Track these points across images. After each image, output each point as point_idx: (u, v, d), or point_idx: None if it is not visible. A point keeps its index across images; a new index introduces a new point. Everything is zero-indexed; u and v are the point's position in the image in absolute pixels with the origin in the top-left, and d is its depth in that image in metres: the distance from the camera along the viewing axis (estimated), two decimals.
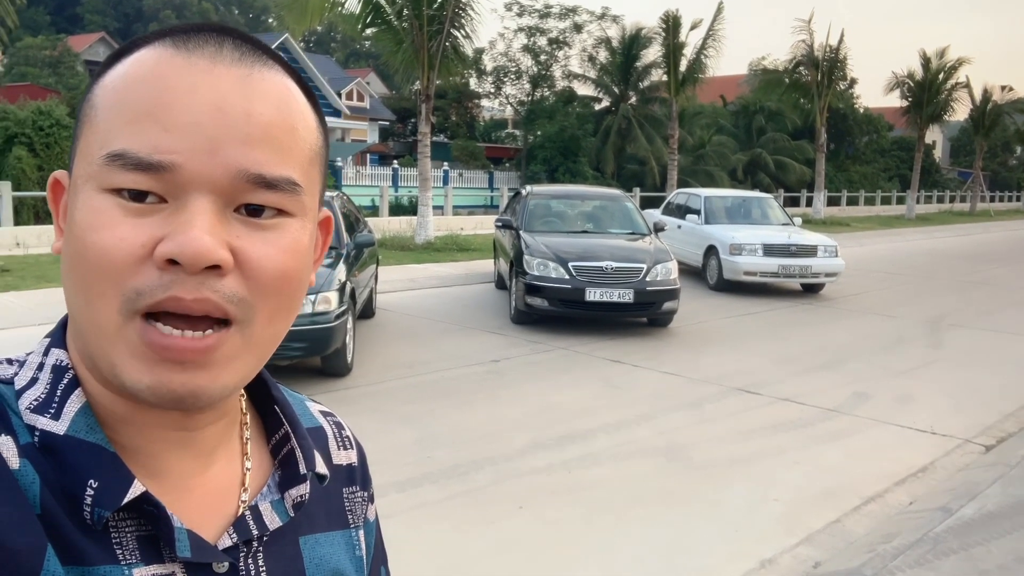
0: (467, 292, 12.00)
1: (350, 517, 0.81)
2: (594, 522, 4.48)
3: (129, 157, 0.57)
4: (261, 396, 0.77)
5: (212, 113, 0.59)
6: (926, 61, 35.85)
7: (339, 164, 29.21)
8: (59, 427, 0.61)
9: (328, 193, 9.09)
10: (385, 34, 16.85)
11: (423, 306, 10.61)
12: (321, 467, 0.74)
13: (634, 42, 35.48)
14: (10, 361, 0.67)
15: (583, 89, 39.33)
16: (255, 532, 0.68)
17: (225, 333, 0.60)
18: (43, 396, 0.63)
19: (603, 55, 37.79)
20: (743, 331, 10.13)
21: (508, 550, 4.15)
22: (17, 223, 15.11)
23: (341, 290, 6.89)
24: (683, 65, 25.48)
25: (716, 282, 13.25)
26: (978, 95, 41.98)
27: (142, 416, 0.64)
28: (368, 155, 37.18)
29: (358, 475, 0.85)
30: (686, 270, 12.87)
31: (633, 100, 36.98)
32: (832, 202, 37.31)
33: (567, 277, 9.22)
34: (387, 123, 42.91)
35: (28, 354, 0.68)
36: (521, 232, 10.32)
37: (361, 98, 40.68)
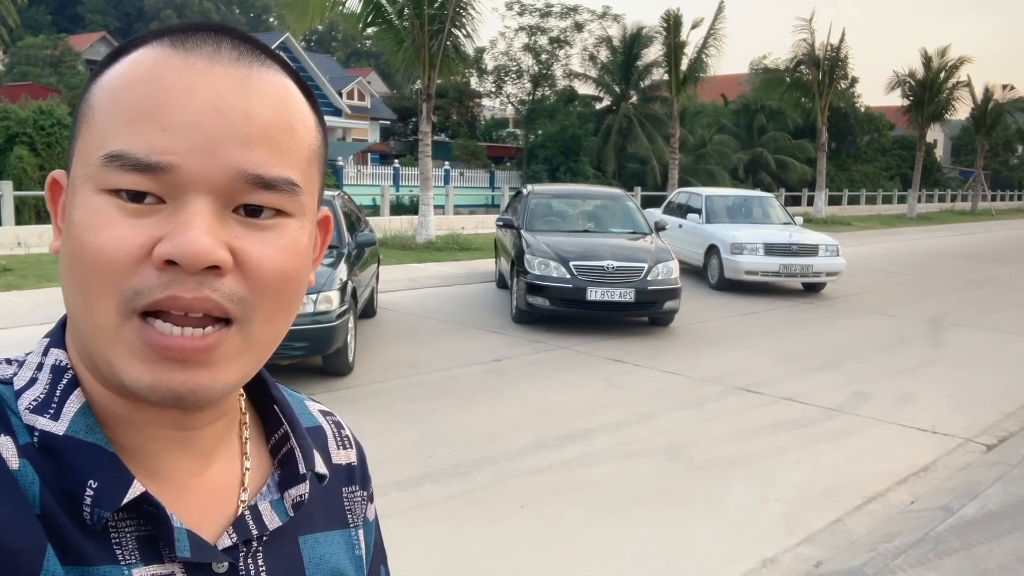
0: (468, 291, 12.00)
1: (349, 516, 0.81)
2: (595, 521, 4.48)
3: (127, 158, 0.57)
4: (260, 396, 0.77)
5: (210, 113, 0.58)
6: (927, 60, 35.82)
7: (340, 163, 29.20)
8: (58, 427, 0.61)
9: (329, 192, 9.13)
10: (386, 33, 16.84)
11: (424, 305, 10.61)
12: (320, 467, 0.74)
13: (635, 41, 35.48)
14: (9, 361, 0.67)
15: (584, 88, 39.35)
16: (255, 532, 0.68)
17: (225, 332, 0.60)
18: (42, 396, 0.63)
19: (604, 54, 37.79)
20: (744, 330, 10.13)
21: (509, 549, 4.15)
22: (18, 222, 15.12)
23: (342, 289, 6.89)
24: (684, 64, 25.46)
25: (717, 281, 13.24)
26: (979, 94, 41.98)
27: (141, 416, 0.64)
28: (369, 154, 37.18)
29: (357, 474, 0.84)
30: (687, 269, 12.87)
31: (634, 99, 36.96)
32: (833, 201, 37.29)
33: (568, 276, 9.22)
34: (388, 122, 42.91)
35: (27, 354, 0.68)
36: (522, 231, 10.32)
37: (362, 97, 40.69)
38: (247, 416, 0.75)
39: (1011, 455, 5.60)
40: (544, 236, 10.11)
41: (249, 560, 0.67)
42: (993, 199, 54.63)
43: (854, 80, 41.60)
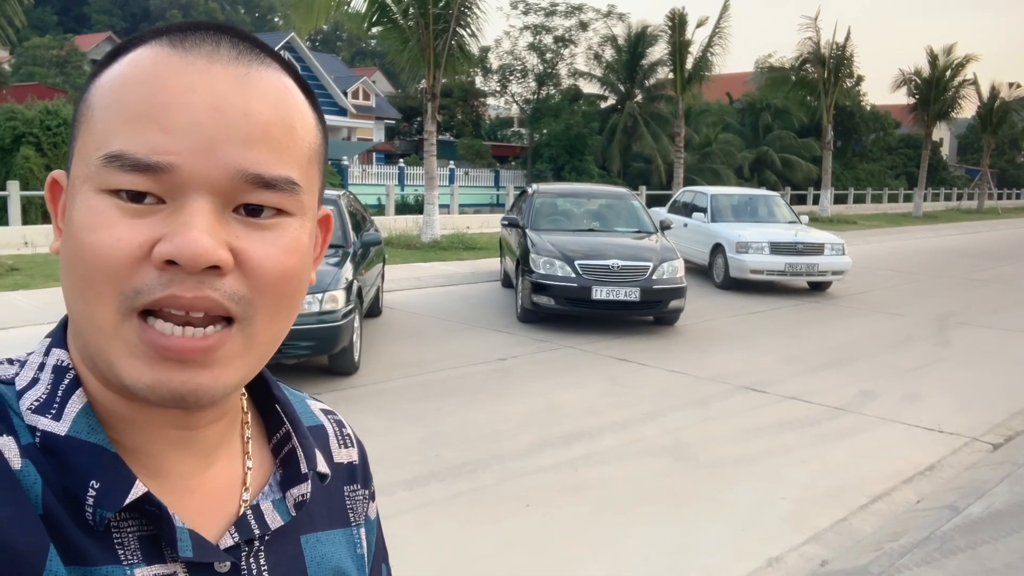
0: (473, 291, 12.01)
1: (351, 515, 0.81)
2: (600, 520, 4.48)
3: (127, 158, 0.57)
4: (262, 395, 0.77)
5: (210, 113, 0.58)
6: (933, 58, 35.72)
7: (345, 163, 29.23)
8: (60, 428, 0.61)
9: (334, 192, 9.14)
10: (391, 33, 16.85)
11: (429, 305, 10.62)
12: (322, 466, 0.74)
13: (640, 40, 35.45)
14: (11, 361, 0.67)
15: (589, 87, 39.36)
16: (257, 531, 0.68)
17: (227, 332, 0.60)
18: (44, 396, 0.63)
19: (609, 53, 37.78)
20: (749, 329, 10.12)
21: (514, 548, 4.16)
22: (25, 222, 15.17)
23: (348, 289, 6.90)
24: (689, 63, 25.41)
25: (722, 280, 13.23)
26: (985, 92, 41.83)
27: (143, 416, 0.64)
28: (374, 154, 37.19)
29: (359, 473, 0.84)
30: (692, 268, 12.85)
31: (639, 98, 36.93)
32: (839, 200, 37.24)
33: (573, 275, 9.22)
34: (393, 122, 42.94)
35: (29, 354, 0.68)
36: (527, 231, 10.32)
37: (367, 97, 40.72)
38: (249, 415, 0.75)
39: (1017, 454, 5.59)
40: (549, 235, 10.11)
41: (251, 559, 0.67)
42: (999, 197, 54.51)
43: (860, 78, 41.47)
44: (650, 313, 9.64)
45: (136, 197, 0.58)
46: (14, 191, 14.82)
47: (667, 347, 8.83)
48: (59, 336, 0.67)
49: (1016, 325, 10.76)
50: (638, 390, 7.10)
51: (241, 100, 0.59)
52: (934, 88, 35.31)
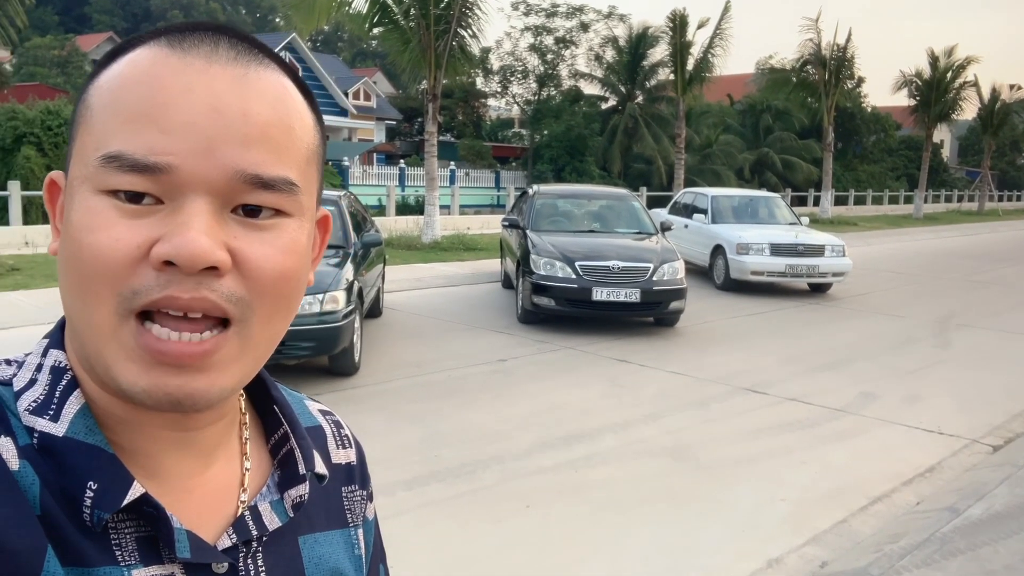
0: (474, 291, 12.01)
1: (349, 516, 0.81)
2: (600, 521, 4.48)
3: (125, 159, 0.57)
4: (260, 396, 0.77)
5: (208, 114, 0.58)
6: (934, 60, 35.74)
7: (346, 163, 29.23)
8: (58, 429, 0.61)
9: (335, 192, 9.14)
10: (392, 33, 16.86)
11: (430, 305, 10.62)
12: (320, 467, 0.74)
13: (641, 41, 35.44)
14: (8, 362, 0.67)
15: (590, 88, 39.35)
16: (254, 532, 0.68)
17: (223, 336, 0.60)
18: (42, 397, 0.63)
19: (610, 54, 37.78)
20: (750, 331, 10.12)
21: (515, 548, 4.16)
22: (26, 222, 15.17)
23: (349, 289, 6.91)
24: (690, 64, 25.43)
25: (723, 282, 13.23)
26: (986, 94, 41.86)
27: (140, 417, 0.64)
28: (375, 154, 37.19)
29: (357, 474, 0.84)
30: (693, 270, 12.85)
31: (640, 99, 36.92)
32: (839, 201, 37.24)
33: (574, 276, 9.22)
34: (394, 122, 42.95)
35: (27, 355, 0.68)
36: (528, 231, 10.32)
37: (368, 97, 40.73)
38: (247, 416, 0.75)
39: (1017, 456, 5.59)
40: (550, 236, 10.12)
41: (249, 560, 0.67)
42: (1000, 199, 54.50)
43: (860, 80, 41.52)
44: (650, 314, 9.64)
45: (134, 198, 0.58)
46: (15, 191, 14.83)
47: (667, 348, 8.83)
48: (57, 337, 0.67)
49: (1016, 327, 10.76)
50: (638, 391, 7.10)
51: (239, 101, 0.59)
52: (935, 90, 35.33)
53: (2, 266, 11.29)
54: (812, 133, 38.96)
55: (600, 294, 9.11)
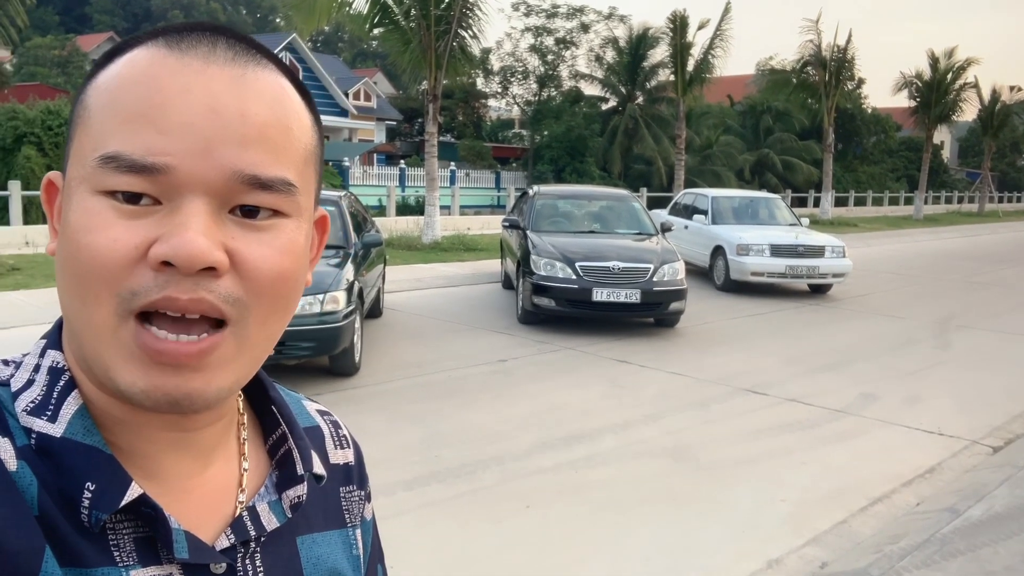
0: (474, 292, 12.02)
1: (347, 516, 0.81)
2: (600, 521, 4.48)
3: (123, 159, 0.57)
4: (258, 396, 0.77)
5: (206, 114, 0.58)
6: (934, 61, 35.76)
7: (346, 164, 29.24)
8: (56, 429, 0.61)
9: (336, 193, 9.14)
10: (392, 34, 16.87)
11: (430, 306, 10.63)
12: (318, 468, 0.74)
13: (641, 42, 35.45)
14: (6, 362, 0.67)
15: (590, 89, 39.36)
16: (252, 533, 0.68)
17: (220, 336, 0.59)
18: (40, 398, 0.63)
19: (610, 55, 37.79)
20: (750, 331, 10.12)
21: (515, 548, 4.16)
22: (26, 222, 15.17)
23: (349, 290, 6.91)
24: (690, 65, 25.44)
25: (723, 282, 13.23)
26: (987, 95, 41.88)
27: (139, 418, 0.64)
28: (375, 155, 37.21)
29: (355, 474, 0.84)
30: (693, 270, 12.85)
31: (640, 100, 36.94)
32: (840, 202, 37.24)
33: (574, 277, 9.23)
34: (394, 123, 42.96)
35: (24, 355, 0.67)
36: (528, 232, 10.32)
37: (368, 98, 40.73)
38: (245, 417, 0.75)
39: (1017, 457, 5.59)
40: (550, 237, 10.12)
41: (247, 561, 0.67)
42: (1000, 200, 54.51)
43: (861, 81, 41.55)
44: (651, 315, 9.64)
45: (132, 198, 0.58)
46: (15, 191, 14.84)
47: (667, 349, 8.83)
48: (54, 337, 0.67)
49: (1017, 328, 10.76)
50: (638, 392, 7.10)
51: (237, 101, 0.59)
52: (935, 91, 35.34)
53: (2, 266, 11.29)
54: (812, 134, 38.97)
55: (600, 295, 9.11)
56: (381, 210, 22.78)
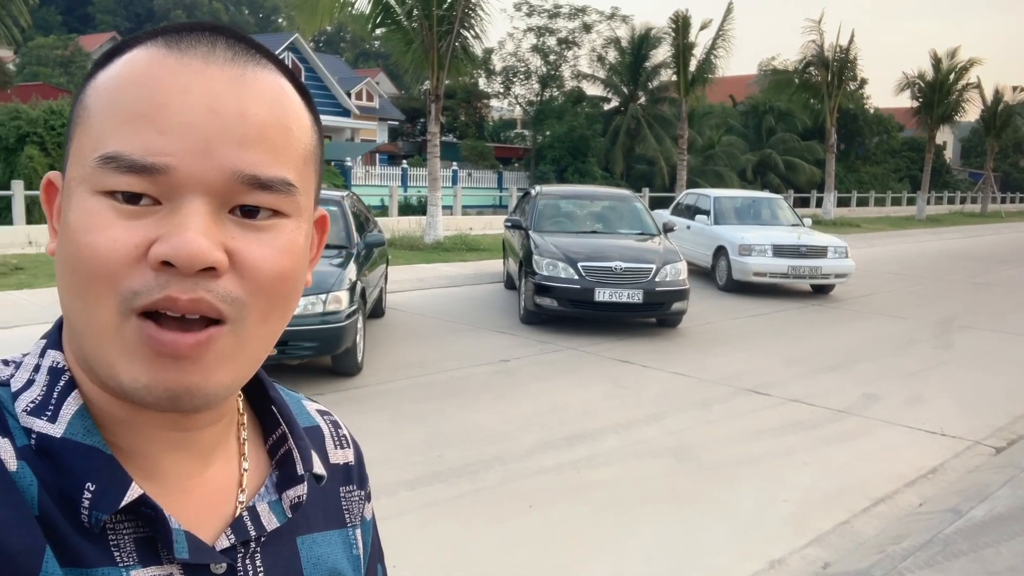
0: (476, 292, 12.02)
1: (347, 516, 0.81)
2: (603, 521, 4.48)
3: (122, 159, 0.57)
4: (258, 396, 0.77)
5: (205, 114, 0.58)
6: (937, 62, 35.74)
7: (348, 164, 29.27)
8: (56, 430, 0.61)
9: (338, 193, 9.15)
10: (395, 34, 16.89)
11: (432, 306, 10.63)
12: (318, 468, 0.74)
13: (643, 42, 35.47)
14: (6, 362, 0.66)
15: (592, 89, 39.41)
16: (253, 533, 0.68)
17: (217, 330, 0.59)
18: (40, 398, 0.63)
19: (612, 55, 37.83)
20: (752, 332, 10.12)
21: (517, 548, 4.16)
22: (29, 222, 15.19)
23: (352, 290, 6.91)
24: (693, 65, 25.44)
25: (725, 283, 13.23)
26: (989, 96, 41.87)
27: (139, 418, 0.63)
28: (377, 155, 37.26)
29: (355, 474, 0.84)
30: (695, 271, 12.85)
31: (642, 100, 36.97)
32: (842, 203, 37.22)
33: (576, 277, 9.23)
34: (396, 123, 43.00)
35: (24, 355, 0.67)
36: (530, 232, 10.33)
37: (370, 98, 40.76)
38: (245, 417, 0.75)
39: (1020, 458, 5.58)
40: (552, 237, 10.12)
41: (247, 561, 0.67)
42: (1003, 201, 54.47)
43: (863, 81, 41.49)
44: (653, 315, 9.64)
45: (132, 198, 0.58)
46: (18, 191, 14.86)
47: (670, 349, 8.83)
48: (54, 337, 0.67)
49: (1019, 329, 10.75)
50: (641, 392, 7.10)
51: (237, 101, 0.59)
52: (938, 91, 35.32)
53: (6, 265, 11.31)
54: (815, 134, 38.95)
55: (602, 295, 9.11)
56: (383, 210, 22.80)
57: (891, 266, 17.58)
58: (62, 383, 0.64)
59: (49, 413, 0.62)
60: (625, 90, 37.31)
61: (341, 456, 0.83)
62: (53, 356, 0.65)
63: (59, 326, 0.67)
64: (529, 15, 38.15)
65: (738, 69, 33.33)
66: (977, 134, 53.43)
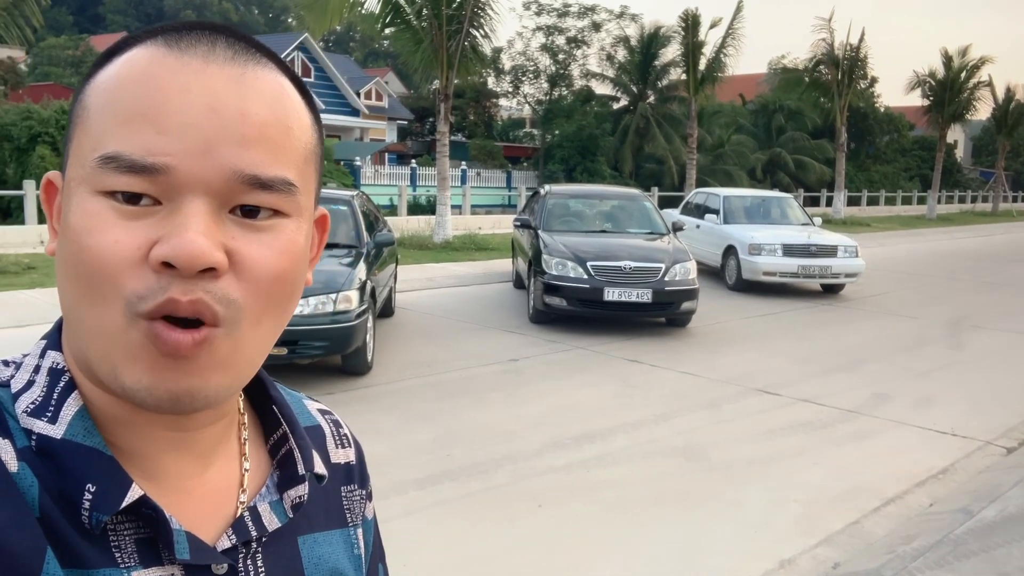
0: (485, 291, 12.03)
1: (348, 516, 0.81)
2: (612, 521, 4.48)
3: (122, 159, 0.57)
4: (259, 396, 0.76)
5: (206, 114, 0.58)
6: (948, 60, 35.58)
7: (358, 163, 29.30)
8: (56, 431, 0.61)
9: (348, 192, 9.17)
10: (404, 34, 16.90)
11: (442, 305, 10.64)
12: (319, 467, 0.74)
13: (653, 41, 35.40)
14: (6, 363, 0.66)
15: (601, 88, 39.33)
16: (254, 533, 0.68)
17: (213, 332, 0.59)
18: (40, 399, 0.62)
19: (621, 54, 37.76)
20: (762, 331, 10.10)
21: (526, 548, 4.16)
22: (41, 221, 15.25)
23: (361, 289, 6.93)
24: (702, 64, 25.38)
25: (735, 282, 13.20)
26: (1001, 94, 41.62)
27: (139, 418, 0.63)
28: (386, 154, 37.25)
29: (356, 473, 0.84)
30: (705, 270, 12.84)
31: (651, 99, 36.88)
32: (852, 202, 37.10)
33: (585, 277, 9.22)
34: (405, 122, 43.01)
35: (24, 356, 0.67)
36: (539, 231, 10.33)
37: (380, 97, 40.79)
38: (245, 417, 0.75)
39: None
40: (561, 236, 10.12)
41: (248, 561, 0.67)
42: (1014, 200, 54.21)
43: (874, 80, 41.37)
44: (662, 315, 9.63)
45: (132, 199, 0.57)
46: (30, 191, 14.95)
47: (679, 349, 8.82)
48: (55, 338, 0.67)
49: None
50: (650, 391, 7.10)
51: (237, 100, 0.59)
52: (949, 90, 35.16)
53: (18, 264, 11.38)
54: (825, 133, 38.82)
55: (612, 294, 9.11)
56: (392, 209, 22.82)
57: (901, 266, 17.51)
58: (62, 384, 0.63)
59: (49, 414, 0.62)
60: (634, 89, 37.24)
61: (342, 455, 0.83)
62: (53, 357, 0.65)
63: (59, 327, 0.67)
64: (538, 14, 38.15)
65: (748, 68, 33.39)
66: (988, 133, 53.14)
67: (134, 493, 0.60)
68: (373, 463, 0.94)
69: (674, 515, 4.61)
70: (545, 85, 39.34)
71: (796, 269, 12.66)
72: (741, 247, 13.05)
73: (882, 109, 46.05)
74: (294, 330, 6.23)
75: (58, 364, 0.65)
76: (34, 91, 27.02)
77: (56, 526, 0.58)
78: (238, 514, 0.69)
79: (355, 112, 36.90)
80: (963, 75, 35.52)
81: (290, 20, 70.01)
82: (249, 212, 0.60)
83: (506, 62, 39.54)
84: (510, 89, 41.04)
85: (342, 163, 27.88)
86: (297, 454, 0.73)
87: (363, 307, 6.83)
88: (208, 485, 0.68)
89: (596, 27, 38.20)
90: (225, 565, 0.65)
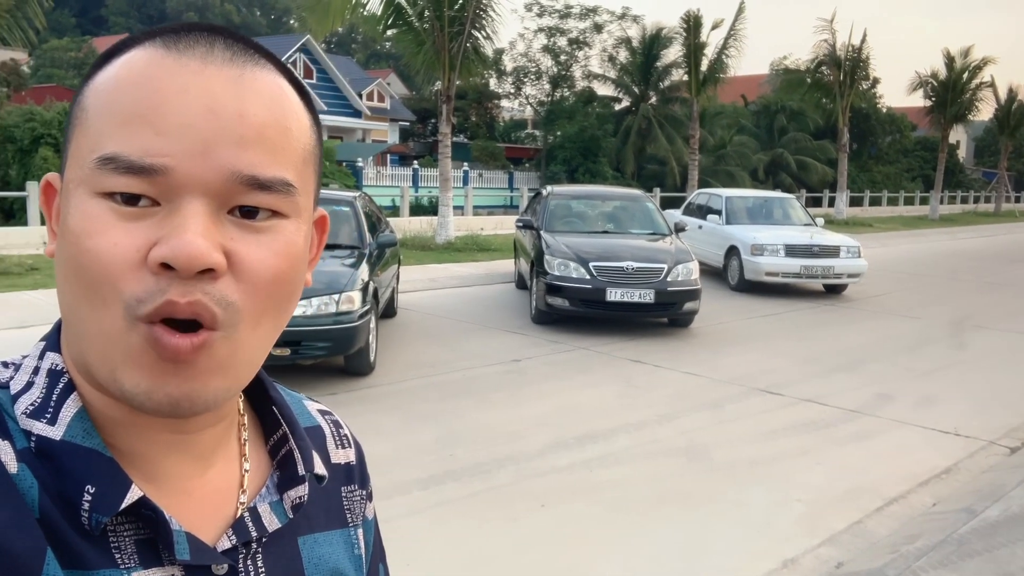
0: (487, 292, 12.03)
1: (349, 516, 0.81)
2: (615, 521, 4.48)
3: (120, 160, 0.57)
4: (259, 397, 0.76)
5: (204, 115, 0.58)
6: (950, 60, 35.55)
7: (360, 164, 29.33)
8: (55, 432, 0.61)
9: (350, 193, 9.17)
10: (406, 35, 16.91)
11: (444, 306, 10.65)
12: (319, 468, 0.74)
13: (654, 42, 35.41)
14: (5, 364, 0.66)
15: (603, 89, 39.36)
16: (254, 534, 0.68)
17: (211, 335, 0.59)
18: (39, 401, 0.62)
19: (623, 55, 37.79)
20: (764, 332, 10.10)
21: (529, 547, 4.16)
22: (43, 223, 15.30)
23: (364, 290, 6.93)
24: (704, 65, 25.37)
25: (737, 283, 13.20)
26: (1003, 94, 41.58)
27: (138, 420, 0.63)
28: (388, 155, 37.29)
29: (356, 474, 0.84)
30: (707, 271, 12.82)
31: (653, 100, 36.90)
32: (855, 202, 37.06)
33: (588, 277, 9.23)
34: (407, 124, 43.05)
35: (24, 357, 0.67)
36: (542, 232, 10.33)
37: (382, 99, 40.83)
38: (245, 417, 0.75)
39: None
40: (564, 237, 10.12)
41: (248, 562, 0.67)
42: (1017, 200, 54.14)
43: (876, 80, 41.34)
44: (665, 315, 9.63)
45: (131, 200, 0.57)
46: (33, 192, 14.97)
47: (682, 349, 8.82)
48: (54, 340, 0.67)
49: None
50: (652, 392, 7.10)
51: (235, 101, 0.59)
52: (951, 90, 35.13)
53: (21, 266, 11.40)
54: (827, 134, 38.82)
55: (614, 295, 9.11)
56: (395, 210, 22.83)
57: (904, 266, 17.50)
58: (61, 385, 0.63)
59: (49, 415, 0.62)
60: (636, 90, 37.25)
61: (342, 456, 0.83)
62: (52, 358, 0.65)
63: (58, 328, 0.67)
64: (540, 15, 38.22)
65: (750, 69, 33.30)
66: (991, 133, 53.10)
67: (134, 494, 0.60)
68: (376, 463, 0.94)
69: (677, 515, 4.61)
70: (547, 86, 39.41)
71: (798, 269, 12.65)
72: (743, 247, 13.05)
73: (884, 110, 46.04)
74: (297, 331, 6.24)
75: (57, 366, 0.65)
76: (37, 93, 27.06)
77: (56, 527, 0.58)
78: (238, 515, 0.69)
79: (357, 113, 36.94)
80: (965, 76, 35.48)
81: (292, 22, 70.06)
82: (248, 213, 0.60)
83: (508, 63, 39.63)
84: (512, 90, 41.16)
85: (344, 164, 27.92)
86: (297, 455, 0.73)
87: (366, 308, 6.84)
88: (208, 486, 0.68)
89: (598, 28, 38.25)
90: (225, 565, 0.65)
